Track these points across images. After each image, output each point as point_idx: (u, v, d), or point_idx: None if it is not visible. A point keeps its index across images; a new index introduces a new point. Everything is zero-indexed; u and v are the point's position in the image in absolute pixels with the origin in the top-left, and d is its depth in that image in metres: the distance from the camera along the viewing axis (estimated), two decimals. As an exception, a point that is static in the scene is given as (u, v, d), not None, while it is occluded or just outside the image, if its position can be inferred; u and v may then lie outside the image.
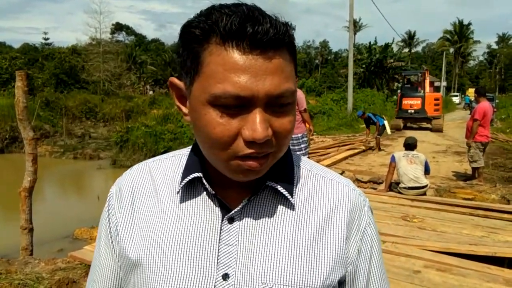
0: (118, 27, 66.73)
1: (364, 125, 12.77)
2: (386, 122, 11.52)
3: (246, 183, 0.67)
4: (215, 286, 0.65)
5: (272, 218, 0.68)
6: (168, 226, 0.69)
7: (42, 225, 6.27)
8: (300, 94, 5.95)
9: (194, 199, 0.70)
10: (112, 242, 0.74)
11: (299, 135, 5.94)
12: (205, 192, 0.70)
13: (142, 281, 0.68)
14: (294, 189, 0.70)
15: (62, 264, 4.00)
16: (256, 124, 0.57)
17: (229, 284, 0.65)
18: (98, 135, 23.09)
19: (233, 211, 0.67)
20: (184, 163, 0.74)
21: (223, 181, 0.68)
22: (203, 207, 0.70)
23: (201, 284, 0.65)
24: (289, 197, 0.68)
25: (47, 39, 58.38)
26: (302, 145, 5.96)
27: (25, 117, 5.17)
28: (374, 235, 0.74)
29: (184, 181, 0.69)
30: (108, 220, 0.75)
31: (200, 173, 0.68)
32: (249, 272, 0.65)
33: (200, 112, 0.60)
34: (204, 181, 0.68)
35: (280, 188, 0.68)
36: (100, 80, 35.42)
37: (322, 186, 0.73)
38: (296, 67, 0.64)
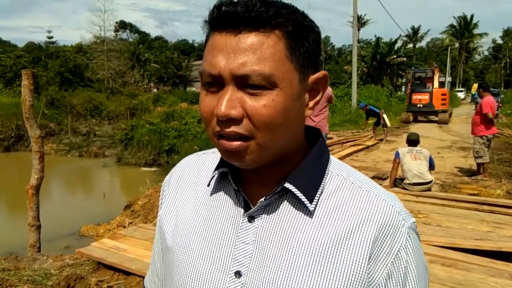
0: (122, 25, 66.81)
1: (367, 121, 13.17)
2: (385, 115, 12.04)
3: (268, 182, 0.67)
4: (227, 282, 0.66)
5: (290, 222, 0.66)
6: (197, 216, 0.73)
7: (49, 222, 6.32)
8: (331, 91, 5.99)
9: (223, 192, 0.72)
10: (159, 225, 0.81)
11: (324, 133, 5.96)
12: (232, 188, 0.71)
13: (170, 266, 0.74)
14: (318, 195, 0.66)
15: (69, 260, 4.05)
16: (221, 101, 0.59)
17: (240, 282, 0.65)
18: (103, 133, 23.15)
19: (251, 210, 0.67)
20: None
21: (249, 177, 0.69)
22: (229, 202, 0.71)
23: (215, 278, 0.67)
24: (307, 203, 0.65)
25: (51, 37, 58.57)
26: None
27: (32, 116, 5.21)
28: (411, 261, 0.65)
29: (213, 174, 0.72)
30: (160, 204, 0.82)
31: (226, 168, 0.70)
32: (261, 273, 0.64)
33: (200, 92, 0.65)
34: (230, 176, 0.69)
35: (297, 192, 0.64)
36: (105, 78, 35.56)
37: (355, 197, 0.66)
38: (307, 54, 0.62)
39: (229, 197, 0.71)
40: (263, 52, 0.58)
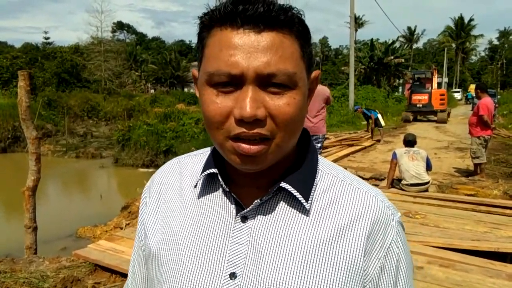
0: (119, 26, 66.75)
1: (368, 123, 13.39)
2: (379, 115, 12.17)
3: (262, 183, 0.67)
4: (221, 284, 0.64)
5: (285, 222, 0.66)
6: (185, 220, 0.71)
7: (45, 224, 6.29)
8: (329, 92, 5.96)
9: (211, 195, 0.71)
10: (140, 232, 0.79)
11: (322, 134, 5.89)
12: (221, 189, 0.70)
13: (157, 273, 0.71)
14: (312, 194, 0.67)
15: (66, 262, 4.02)
16: (244, 102, 0.57)
17: (236, 284, 0.64)
18: (100, 134, 23.10)
19: (246, 210, 0.66)
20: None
21: (240, 178, 0.68)
22: (219, 203, 0.70)
23: (209, 281, 0.65)
24: (303, 201, 0.65)
25: (48, 38, 58.34)
26: (319, 145, 5.92)
27: (28, 117, 5.18)
28: (401, 253, 0.68)
29: (200, 176, 0.71)
30: (141, 211, 0.80)
31: (215, 169, 0.68)
32: (256, 274, 0.63)
33: (201, 93, 0.62)
34: (219, 177, 0.68)
35: (293, 191, 0.65)
36: (102, 79, 35.52)
37: (346, 194, 0.68)
38: (310, 55, 0.64)
39: (218, 199, 0.70)
40: (284, 52, 0.58)
